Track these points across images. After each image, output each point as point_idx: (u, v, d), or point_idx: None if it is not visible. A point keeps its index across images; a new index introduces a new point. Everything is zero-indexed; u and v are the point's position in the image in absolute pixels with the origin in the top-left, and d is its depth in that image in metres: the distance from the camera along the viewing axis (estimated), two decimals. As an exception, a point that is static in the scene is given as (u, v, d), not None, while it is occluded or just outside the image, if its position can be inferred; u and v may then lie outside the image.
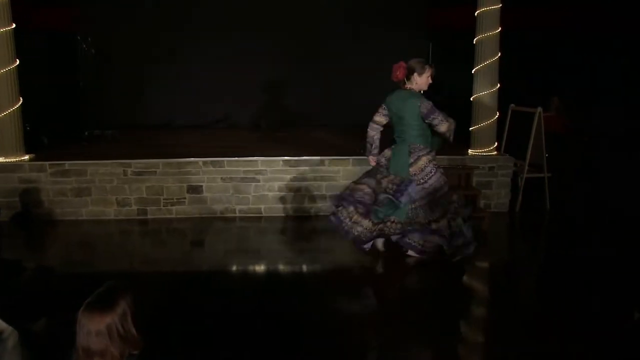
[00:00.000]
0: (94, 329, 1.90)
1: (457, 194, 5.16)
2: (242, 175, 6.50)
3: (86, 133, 8.12)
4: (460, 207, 4.99)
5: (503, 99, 7.05)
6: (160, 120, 9.35)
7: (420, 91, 4.98)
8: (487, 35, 6.67)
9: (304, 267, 5.27)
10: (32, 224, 6.32)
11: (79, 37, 8.65)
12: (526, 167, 6.88)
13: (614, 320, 3.99)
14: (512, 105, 7.43)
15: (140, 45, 9.17)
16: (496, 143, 7.05)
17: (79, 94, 8.96)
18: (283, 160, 6.53)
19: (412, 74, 4.86)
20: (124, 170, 6.40)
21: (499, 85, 6.82)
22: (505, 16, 6.75)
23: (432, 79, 4.97)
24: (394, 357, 3.53)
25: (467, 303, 4.49)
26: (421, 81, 4.89)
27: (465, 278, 5.01)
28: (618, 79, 9.94)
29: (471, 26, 6.88)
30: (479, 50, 6.78)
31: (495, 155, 6.92)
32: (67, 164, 6.37)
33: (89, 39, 8.44)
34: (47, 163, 6.37)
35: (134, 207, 6.47)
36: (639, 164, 6.83)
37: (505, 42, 6.84)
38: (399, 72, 4.88)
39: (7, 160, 6.36)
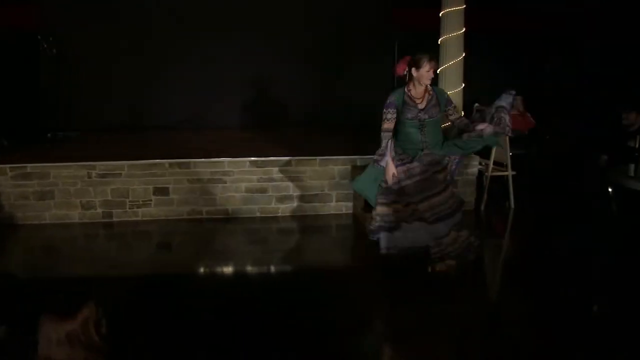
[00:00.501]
0: (55, 337, 1.86)
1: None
2: (208, 177, 6.45)
3: (49, 135, 7.96)
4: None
5: (468, 98, 7.15)
6: (125, 122, 9.19)
7: (424, 84, 4.71)
8: (452, 35, 6.75)
9: (272, 269, 5.27)
10: (-8, 228, 6.17)
11: (39, 37, 8.45)
12: (491, 166, 6.99)
13: (578, 314, 4.10)
14: (477, 104, 7.54)
15: (104, 45, 9.01)
16: (461, 142, 7.14)
17: (40, 95, 8.75)
18: (250, 161, 6.50)
19: (411, 68, 4.68)
20: (88, 173, 6.28)
21: (463, 84, 6.91)
22: (470, 17, 6.84)
23: (434, 72, 4.71)
24: None
25: (434, 302, 4.53)
26: (419, 75, 4.64)
27: (430, 276, 5.04)
28: (583, 80, 10.19)
29: (437, 26, 6.95)
30: (443, 50, 6.86)
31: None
32: (29, 167, 6.22)
33: (50, 38, 8.27)
34: (7, 166, 6.20)
35: (99, 210, 6.37)
36: (601, 163, 6.99)
37: (470, 42, 6.94)
38: (399, 67, 4.76)
39: (-35, 163, 6.19)
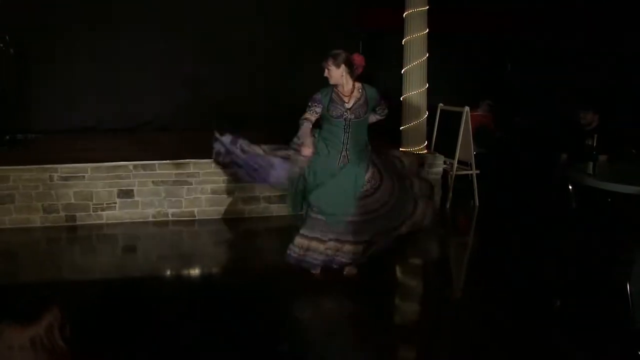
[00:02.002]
0: (17, 343, 1.82)
1: None
2: (174, 179, 6.39)
3: (7, 137, 7.77)
4: None
5: (432, 98, 7.24)
6: (86, 123, 9.03)
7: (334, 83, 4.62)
8: (416, 36, 6.83)
9: (239, 271, 5.24)
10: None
11: (-5, 36, 8.24)
12: (455, 165, 7.09)
13: (540, 311, 4.19)
14: (441, 104, 7.65)
15: (63, 44, 8.82)
16: (426, 142, 7.23)
17: (-3, 96, 8.51)
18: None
19: None
20: (50, 176, 6.15)
21: (427, 85, 6.99)
22: (433, 18, 6.93)
23: (328, 71, 4.57)
24: None
25: (399, 302, 4.58)
26: None
27: (397, 275, 5.10)
28: (542, 80, 10.39)
29: (401, 26, 7.01)
30: (407, 50, 6.93)
31: (426, 153, 7.09)
32: (-13, 170, 6.07)
33: (7, 38, 8.06)
34: (-35, 170, 6.05)
35: (62, 214, 6.24)
36: (560, 161, 7.15)
37: (434, 42, 7.02)
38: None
39: None
